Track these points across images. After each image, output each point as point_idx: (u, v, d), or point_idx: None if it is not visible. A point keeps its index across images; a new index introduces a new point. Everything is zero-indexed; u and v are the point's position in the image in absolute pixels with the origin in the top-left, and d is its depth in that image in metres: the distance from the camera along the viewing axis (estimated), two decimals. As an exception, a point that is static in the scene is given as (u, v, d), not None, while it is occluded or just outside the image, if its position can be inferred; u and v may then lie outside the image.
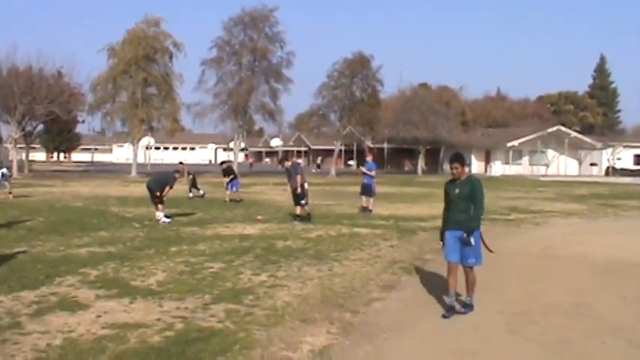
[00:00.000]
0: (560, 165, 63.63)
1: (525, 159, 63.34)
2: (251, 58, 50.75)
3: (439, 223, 7.26)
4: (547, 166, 62.49)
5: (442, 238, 7.10)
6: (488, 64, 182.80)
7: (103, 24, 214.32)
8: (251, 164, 77.63)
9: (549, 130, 62.24)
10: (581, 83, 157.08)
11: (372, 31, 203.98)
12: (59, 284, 8.08)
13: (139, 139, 49.93)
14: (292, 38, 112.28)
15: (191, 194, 18.65)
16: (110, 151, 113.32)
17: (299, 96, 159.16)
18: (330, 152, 63.40)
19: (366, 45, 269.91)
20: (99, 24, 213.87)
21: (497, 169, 61.46)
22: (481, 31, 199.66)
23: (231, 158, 46.00)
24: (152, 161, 69.84)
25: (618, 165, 62.73)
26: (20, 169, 46.23)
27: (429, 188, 32.58)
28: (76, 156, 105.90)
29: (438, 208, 8.42)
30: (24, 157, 52.55)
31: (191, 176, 18.81)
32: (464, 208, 6.73)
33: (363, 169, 19.68)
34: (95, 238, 12.42)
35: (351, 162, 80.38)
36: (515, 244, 12.30)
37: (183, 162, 17.32)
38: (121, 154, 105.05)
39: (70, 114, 54.41)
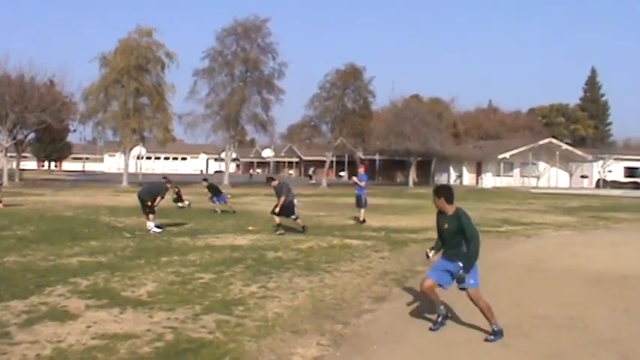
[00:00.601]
0: (552, 177, 63.99)
1: (516, 171, 63.61)
2: (243, 68, 50.97)
3: (430, 235, 7.26)
4: (538, 178, 62.77)
5: (429, 250, 7.06)
6: (479, 76, 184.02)
7: (96, 33, 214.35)
8: (251, 175, 77.65)
9: (540, 142, 62.62)
10: (572, 96, 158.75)
11: (364, 43, 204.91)
12: (49, 294, 8.02)
13: (131, 149, 49.90)
14: (284, 49, 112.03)
15: (180, 204, 18.69)
16: (101, 160, 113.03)
17: (291, 107, 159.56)
18: (321, 163, 63.35)
19: (358, 56, 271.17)
20: (91, 33, 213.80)
21: (489, 181, 61.66)
22: (473, 43, 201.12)
23: (222, 169, 45.95)
24: (143, 171, 69.65)
25: (609, 177, 62.98)
26: (11, 177, 46.09)
27: (421, 200, 32.62)
28: (68, 165, 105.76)
29: (429, 220, 8.44)
30: (15, 166, 52.37)
31: (177, 189, 18.83)
32: (455, 244, 6.66)
33: (355, 179, 20.04)
34: (86, 248, 12.35)
35: (342, 173, 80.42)
36: (506, 257, 12.29)
37: (167, 176, 17.36)
38: (112, 163, 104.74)
39: (62, 123, 54.20)
